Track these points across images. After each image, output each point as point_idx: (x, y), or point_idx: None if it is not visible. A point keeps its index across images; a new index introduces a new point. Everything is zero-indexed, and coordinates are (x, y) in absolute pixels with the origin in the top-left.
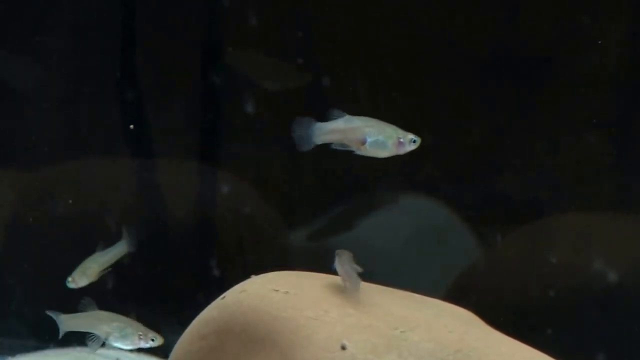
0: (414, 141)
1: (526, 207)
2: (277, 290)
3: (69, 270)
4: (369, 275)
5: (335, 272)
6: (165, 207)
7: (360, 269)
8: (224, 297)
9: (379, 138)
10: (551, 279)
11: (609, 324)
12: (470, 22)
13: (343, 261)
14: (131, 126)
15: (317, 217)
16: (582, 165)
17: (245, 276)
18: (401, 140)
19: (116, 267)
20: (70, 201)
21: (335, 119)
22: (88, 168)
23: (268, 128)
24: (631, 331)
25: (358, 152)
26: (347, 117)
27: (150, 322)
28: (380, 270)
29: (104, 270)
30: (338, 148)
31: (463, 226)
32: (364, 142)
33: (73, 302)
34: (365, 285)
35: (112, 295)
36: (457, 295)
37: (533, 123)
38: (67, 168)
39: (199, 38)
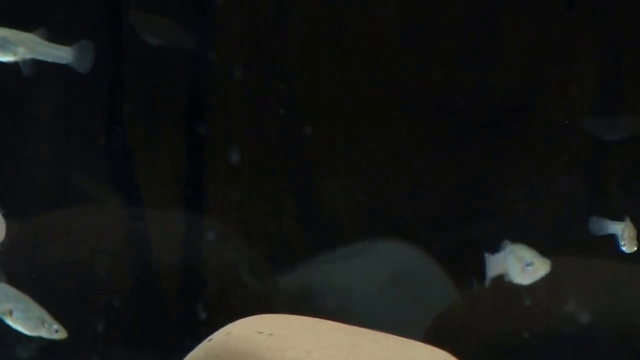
0: (528, 264)
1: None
2: (261, 332)
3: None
4: (351, 318)
5: None
6: (152, 255)
7: None
8: (211, 339)
9: (514, 268)
10: (526, 322)
11: None
12: (447, 72)
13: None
14: None
15: (301, 263)
16: (556, 211)
17: (230, 320)
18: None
19: (106, 313)
20: (60, 250)
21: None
22: (78, 218)
23: (251, 177)
24: None
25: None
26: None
27: None
28: (360, 314)
29: None
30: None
31: (440, 270)
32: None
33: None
34: (346, 328)
35: (102, 339)
36: (434, 338)
37: (508, 170)
38: (57, 217)
39: (185, 91)
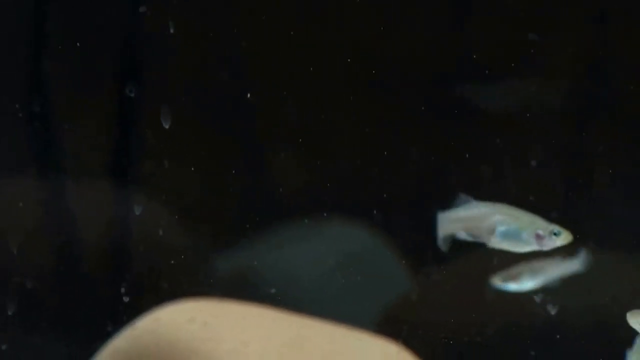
0: (556, 234)
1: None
2: (194, 320)
3: None
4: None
5: None
6: (73, 231)
7: None
8: (136, 326)
9: (511, 228)
10: (488, 313)
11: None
12: (409, 41)
13: None
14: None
15: (239, 242)
16: (525, 194)
17: (158, 304)
18: (540, 233)
19: (19, 295)
20: None
21: (462, 205)
22: None
23: (186, 145)
24: None
25: (489, 245)
26: (474, 203)
27: (56, 352)
28: (307, 300)
29: None
30: (464, 238)
31: (396, 255)
32: (493, 232)
33: None
34: (289, 318)
35: (14, 323)
36: (387, 328)
37: (474, 149)
38: None
39: (114, 50)
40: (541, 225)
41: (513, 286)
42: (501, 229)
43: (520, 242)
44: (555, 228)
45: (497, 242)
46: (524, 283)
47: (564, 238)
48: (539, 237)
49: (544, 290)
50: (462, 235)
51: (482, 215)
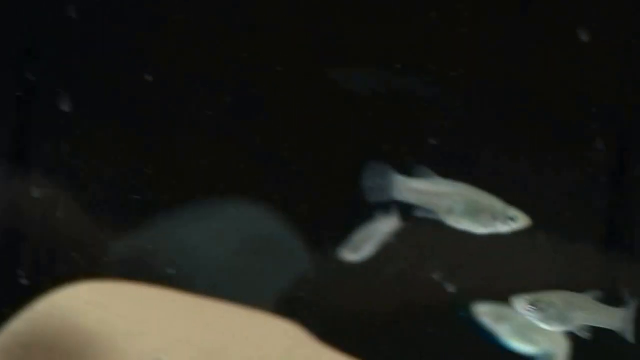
0: (512, 218)
1: (365, 216)
2: (91, 302)
3: None
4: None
5: None
6: None
7: None
8: (33, 308)
9: (469, 209)
10: (386, 292)
11: (445, 340)
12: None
13: None
14: None
15: (138, 224)
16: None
17: (56, 287)
18: (495, 216)
19: None
20: None
21: (422, 177)
22: None
23: (86, 128)
24: (468, 347)
25: (447, 223)
26: (436, 178)
27: None
28: (206, 281)
29: None
30: (421, 214)
31: (296, 235)
32: (451, 211)
33: None
34: (187, 298)
35: None
36: (286, 309)
37: (374, 127)
38: None
39: (12, 29)
40: (498, 208)
41: (353, 256)
42: (459, 208)
43: (477, 224)
44: (512, 213)
45: (454, 221)
46: (361, 252)
47: (520, 222)
48: (495, 221)
49: (441, 269)
50: (420, 211)
51: (442, 191)
